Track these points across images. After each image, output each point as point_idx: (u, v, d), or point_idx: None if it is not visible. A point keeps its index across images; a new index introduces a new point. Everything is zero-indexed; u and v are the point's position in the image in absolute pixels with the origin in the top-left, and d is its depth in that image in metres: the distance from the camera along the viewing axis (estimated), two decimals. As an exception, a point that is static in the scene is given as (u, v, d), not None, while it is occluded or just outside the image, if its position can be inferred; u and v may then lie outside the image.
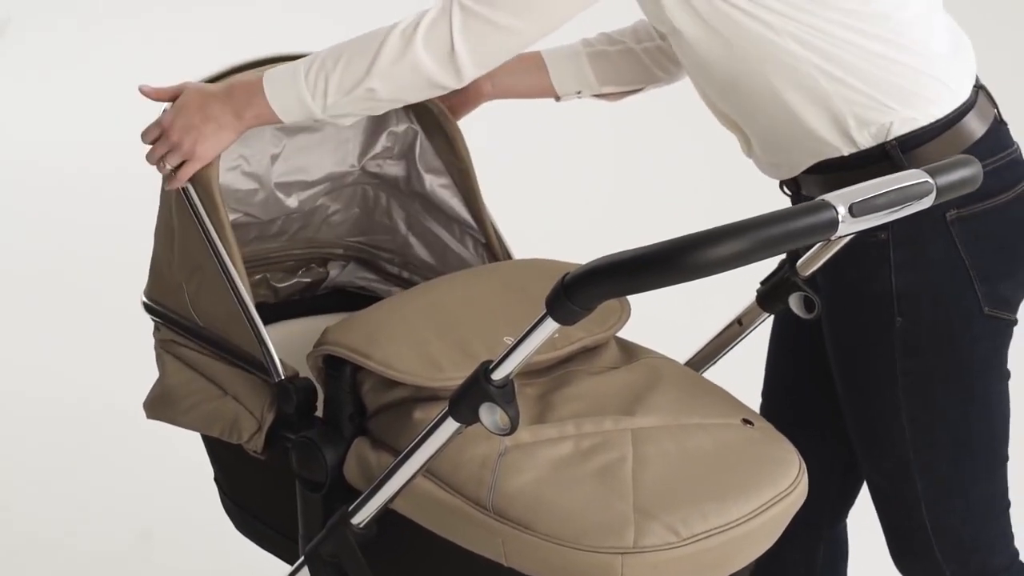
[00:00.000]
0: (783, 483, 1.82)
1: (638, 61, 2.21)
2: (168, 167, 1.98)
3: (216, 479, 2.24)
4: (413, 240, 2.36)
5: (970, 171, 1.73)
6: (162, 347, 2.15)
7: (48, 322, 4.14)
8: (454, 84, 1.90)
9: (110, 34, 5.70)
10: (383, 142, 2.28)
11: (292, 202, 2.29)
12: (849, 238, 1.94)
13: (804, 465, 1.88)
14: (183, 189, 1.99)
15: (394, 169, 2.31)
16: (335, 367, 1.90)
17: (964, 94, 1.96)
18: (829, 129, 1.92)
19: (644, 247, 1.49)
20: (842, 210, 1.54)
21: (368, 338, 1.89)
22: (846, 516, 2.35)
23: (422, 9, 1.87)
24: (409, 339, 1.90)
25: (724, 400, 1.98)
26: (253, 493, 2.16)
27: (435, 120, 2.22)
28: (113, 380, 3.49)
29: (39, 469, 3.44)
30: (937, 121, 1.92)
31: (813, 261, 2.03)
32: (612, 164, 5.17)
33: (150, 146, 2.01)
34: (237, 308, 1.97)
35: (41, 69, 5.62)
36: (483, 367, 1.64)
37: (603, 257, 1.51)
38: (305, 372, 1.96)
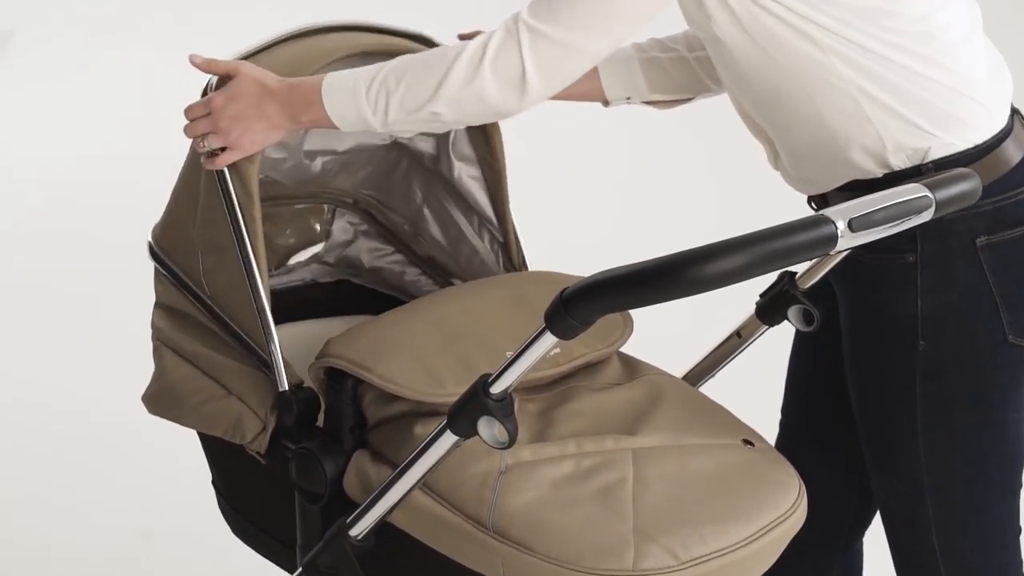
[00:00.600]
0: (783, 506, 1.82)
1: (690, 70, 2.18)
2: (207, 148, 1.93)
3: (214, 482, 2.23)
4: (427, 214, 2.32)
5: (969, 185, 1.72)
6: (160, 339, 2.12)
7: (49, 333, 4.14)
8: (519, 109, 1.85)
9: (112, 45, 5.72)
10: None
11: (316, 166, 2.27)
12: (847, 252, 1.94)
13: (804, 488, 1.87)
14: (218, 172, 1.94)
15: (423, 145, 2.27)
16: (337, 379, 1.90)
17: (1002, 120, 1.94)
18: (865, 152, 1.89)
19: (643, 262, 1.49)
20: (841, 225, 1.54)
21: (370, 352, 1.88)
22: (862, 536, 2.32)
23: (485, 34, 1.84)
24: (411, 353, 1.89)
25: (725, 419, 1.97)
26: (251, 499, 2.15)
27: None
28: (113, 390, 3.49)
29: (38, 478, 3.44)
30: (975, 147, 1.90)
31: (812, 274, 2.03)
32: (622, 173, 5.16)
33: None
34: (252, 304, 1.94)
35: (43, 81, 5.63)
36: (481, 380, 1.64)
37: (602, 272, 1.51)
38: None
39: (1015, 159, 1.93)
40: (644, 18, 1.82)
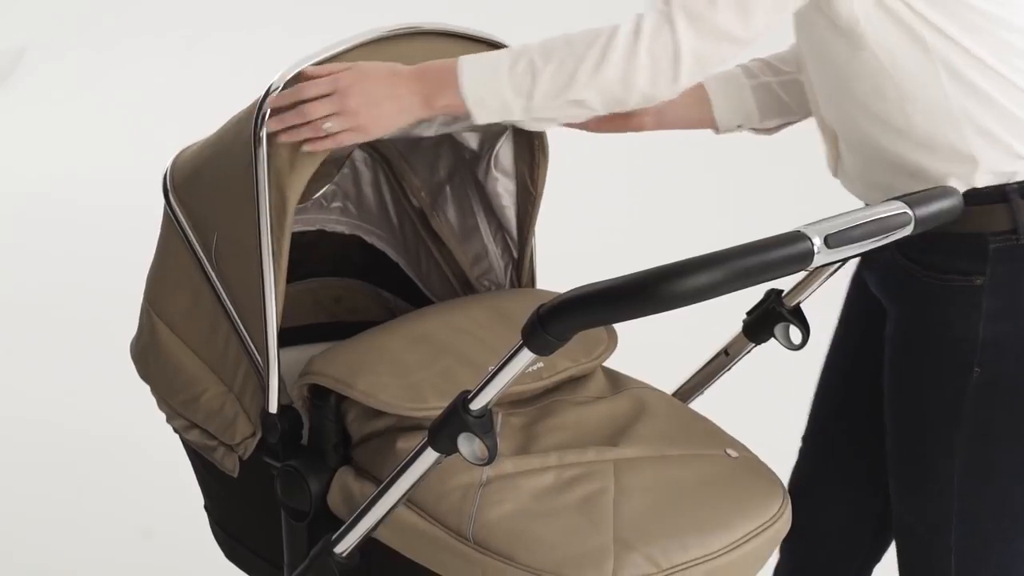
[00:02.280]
0: (765, 514, 1.83)
1: (802, 91, 2.07)
2: (331, 128, 1.80)
3: (206, 507, 2.24)
4: (448, 193, 2.26)
5: (949, 202, 1.73)
6: (156, 312, 2.08)
7: (51, 352, 4.15)
8: (669, 95, 1.78)
9: (121, 63, 5.74)
10: (471, 120, 2.05)
11: None
12: (836, 268, 1.94)
13: (788, 496, 1.88)
14: (257, 182, 1.85)
15: (468, 138, 2.17)
16: (320, 397, 1.91)
17: None
18: (952, 168, 1.85)
19: (618, 278, 1.50)
20: (817, 241, 1.55)
21: (352, 367, 1.90)
22: (874, 565, 2.26)
23: (633, 17, 1.77)
24: (393, 368, 1.90)
25: (709, 431, 1.98)
26: (240, 521, 2.16)
27: (529, 136, 2.13)
28: (112, 406, 3.51)
29: (38, 492, 3.45)
30: None
31: (800, 292, 2.03)
32: (625, 183, 5.15)
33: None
34: (260, 315, 1.91)
35: (53, 99, 5.65)
36: (461, 397, 1.65)
37: (578, 288, 1.52)
38: None
39: None
40: (784, 5, 1.78)
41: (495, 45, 2.03)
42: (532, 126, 1.86)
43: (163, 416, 2.17)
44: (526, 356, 1.57)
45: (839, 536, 2.12)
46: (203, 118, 2.27)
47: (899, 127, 1.85)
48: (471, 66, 1.80)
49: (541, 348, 1.55)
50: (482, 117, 1.81)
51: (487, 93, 1.79)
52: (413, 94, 1.81)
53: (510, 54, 1.79)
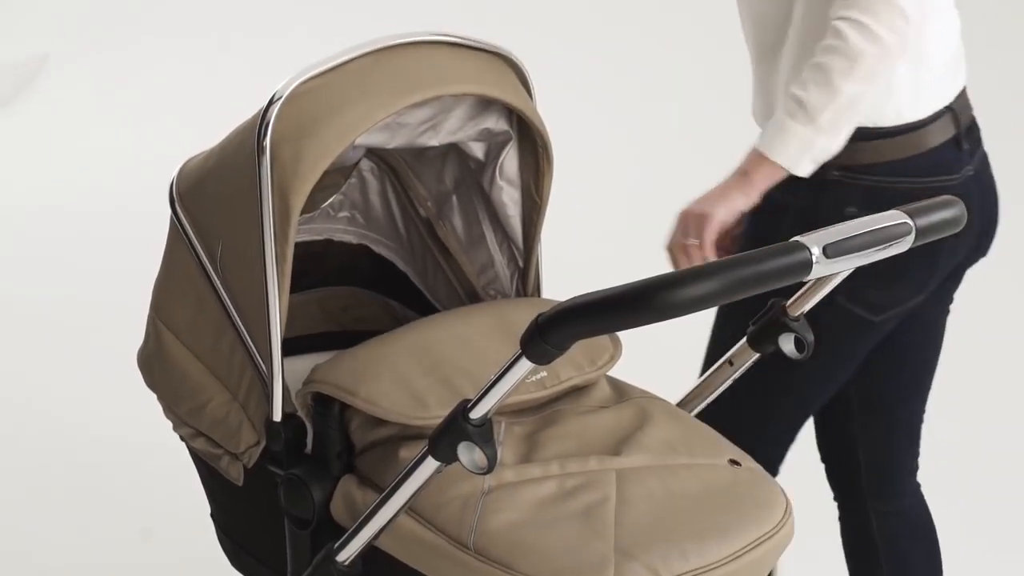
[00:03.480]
0: (767, 525, 1.83)
1: None
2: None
3: (212, 515, 2.25)
4: (455, 202, 2.28)
5: (951, 213, 1.73)
6: (162, 320, 2.10)
7: (55, 354, 4.17)
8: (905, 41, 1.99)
9: (136, 68, 5.75)
10: (475, 130, 2.15)
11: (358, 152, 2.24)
12: (840, 278, 1.94)
13: (791, 506, 1.88)
14: (261, 195, 1.88)
15: (474, 147, 2.19)
16: (323, 405, 1.92)
17: (923, 115, 2.09)
18: None
19: (616, 287, 1.51)
20: (816, 251, 1.56)
21: (355, 375, 1.90)
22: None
23: (839, 25, 1.98)
24: (396, 376, 1.91)
25: (712, 440, 1.98)
26: (245, 529, 2.17)
27: (533, 145, 2.16)
28: (115, 409, 3.53)
29: (38, 494, 3.47)
30: (892, 127, 2.08)
31: (803, 301, 2.03)
32: (629, 191, 5.15)
33: None
34: (264, 323, 1.92)
35: (72, 104, 5.67)
36: (461, 406, 1.66)
37: (576, 297, 1.53)
38: None
39: (919, 149, 2.09)
40: None
41: (497, 54, 2.05)
42: (836, 146, 2.05)
43: (164, 419, 2.18)
44: (525, 365, 1.58)
45: None
46: (211, 123, 2.28)
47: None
48: (771, 143, 2.04)
49: (540, 357, 1.56)
50: (804, 169, 2.05)
51: (791, 149, 2.03)
52: (736, 190, 2.07)
53: (782, 109, 2.03)
